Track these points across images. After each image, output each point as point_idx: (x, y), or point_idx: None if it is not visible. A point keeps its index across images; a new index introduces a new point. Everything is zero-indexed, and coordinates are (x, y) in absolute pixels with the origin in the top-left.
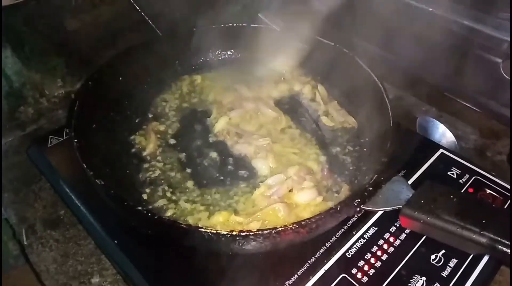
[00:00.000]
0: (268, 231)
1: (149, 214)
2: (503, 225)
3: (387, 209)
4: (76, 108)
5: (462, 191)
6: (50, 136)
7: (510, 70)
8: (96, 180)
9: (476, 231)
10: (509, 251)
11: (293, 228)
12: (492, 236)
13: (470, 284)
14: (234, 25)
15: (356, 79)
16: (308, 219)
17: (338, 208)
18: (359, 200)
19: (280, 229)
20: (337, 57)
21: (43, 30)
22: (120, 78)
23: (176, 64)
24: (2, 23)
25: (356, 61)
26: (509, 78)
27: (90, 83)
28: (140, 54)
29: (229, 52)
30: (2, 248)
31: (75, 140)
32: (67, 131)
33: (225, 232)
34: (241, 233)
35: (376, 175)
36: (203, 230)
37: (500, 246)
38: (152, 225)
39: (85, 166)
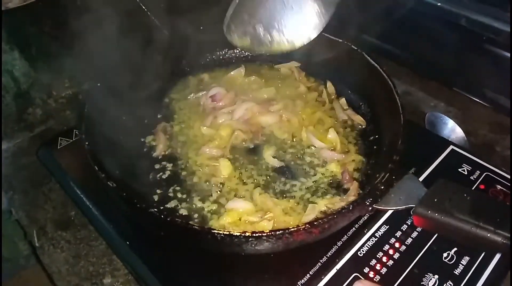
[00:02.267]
0: (281, 231)
1: (162, 216)
2: None
3: (399, 208)
4: (85, 110)
5: (473, 188)
6: (59, 138)
7: (510, 64)
8: (108, 183)
9: (490, 229)
10: None
11: (305, 228)
12: (506, 234)
13: (483, 281)
14: None
15: (365, 76)
16: (320, 219)
17: (350, 208)
18: (371, 199)
19: (292, 229)
20: (345, 54)
21: (50, 31)
22: (128, 78)
23: (183, 63)
24: (3, 24)
25: (365, 57)
26: None
27: (98, 84)
28: (146, 54)
29: (236, 51)
30: (13, 248)
31: (86, 143)
32: (77, 132)
33: (238, 234)
34: (254, 234)
35: (387, 174)
36: (215, 231)
37: None
38: (165, 227)
39: (97, 169)
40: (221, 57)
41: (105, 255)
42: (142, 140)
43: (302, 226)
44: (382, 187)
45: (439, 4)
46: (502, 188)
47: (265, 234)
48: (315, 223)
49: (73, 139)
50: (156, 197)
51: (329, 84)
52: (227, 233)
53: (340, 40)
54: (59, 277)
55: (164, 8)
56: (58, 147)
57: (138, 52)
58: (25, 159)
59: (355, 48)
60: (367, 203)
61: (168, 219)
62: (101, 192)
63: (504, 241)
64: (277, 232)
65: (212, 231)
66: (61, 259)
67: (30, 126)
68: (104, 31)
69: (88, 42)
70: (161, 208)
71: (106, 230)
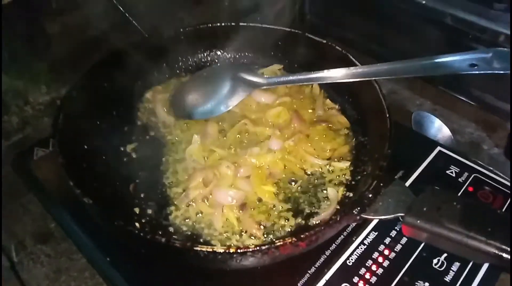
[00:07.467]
0: (266, 246)
1: (141, 234)
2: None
3: (388, 217)
4: (60, 120)
5: (462, 190)
6: (35, 148)
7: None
8: (84, 199)
9: (482, 240)
10: None
11: (292, 242)
12: (498, 245)
13: None
14: (223, 24)
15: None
16: (307, 231)
17: (338, 218)
18: (358, 208)
19: (278, 244)
20: (328, 54)
21: (24, 34)
22: (105, 84)
23: (164, 66)
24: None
25: (349, 58)
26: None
27: (73, 92)
28: (125, 58)
29: (218, 53)
30: None
31: (61, 156)
32: (53, 142)
33: (222, 250)
34: (239, 250)
35: (375, 181)
36: (198, 248)
37: (506, 256)
38: (145, 244)
39: (72, 184)
40: (202, 59)
41: (87, 269)
42: (122, 149)
43: (288, 239)
44: (370, 195)
45: (423, 2)
46: (491, 189)
47: (250, 249)
48: (302, 236)
49: (50, 149)
50: (137, 210)
51: (314, 85)
52: (210, 250)
53: (324, 41)
54: None
55: (142, 8)
56: (34, 158)
57: (116, 55)
58: (2, 169)
59: (339, 49)
60: (355, 213)
61: (148, 237)
62: (81, 206)
63: (496, 252)
64: (263, 248)
65: (195, 248)
66: (41, 274)
67: (6, 135)
68: (81, 33)
69: (65, 43)
70: (143, 221)
71: (86, 245)
